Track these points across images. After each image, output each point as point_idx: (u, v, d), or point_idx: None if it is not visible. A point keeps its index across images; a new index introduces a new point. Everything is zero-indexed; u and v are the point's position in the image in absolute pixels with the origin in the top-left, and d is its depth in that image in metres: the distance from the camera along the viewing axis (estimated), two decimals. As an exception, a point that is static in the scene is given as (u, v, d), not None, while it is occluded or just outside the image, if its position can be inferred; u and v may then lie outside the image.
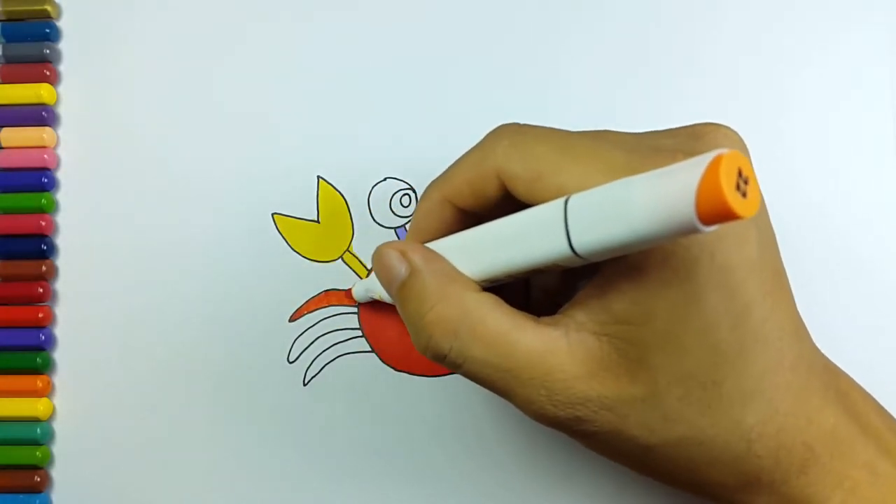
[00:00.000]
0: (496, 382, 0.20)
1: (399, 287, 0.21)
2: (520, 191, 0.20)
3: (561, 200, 0.18)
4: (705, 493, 0.20)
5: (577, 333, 0.19)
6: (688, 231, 0.15)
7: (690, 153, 0.15)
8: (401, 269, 0.21)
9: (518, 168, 0.20)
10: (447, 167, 0.22)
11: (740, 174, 0.14)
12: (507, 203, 0.21)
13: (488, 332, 0.20)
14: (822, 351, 0.21)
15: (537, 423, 0.20)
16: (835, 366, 0.22)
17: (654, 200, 0.15)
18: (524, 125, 0.21)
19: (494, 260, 0.20)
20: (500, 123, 0.22)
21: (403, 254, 0.21)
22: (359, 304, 0.28)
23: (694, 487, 0.20)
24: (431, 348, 0.20)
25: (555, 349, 0.19)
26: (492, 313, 0.20)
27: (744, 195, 0.14)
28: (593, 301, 0.19)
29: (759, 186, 0.14)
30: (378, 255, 0.22)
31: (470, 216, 0.22)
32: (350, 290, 0.28)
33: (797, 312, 0.20)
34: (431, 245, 0.22)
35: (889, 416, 0.21)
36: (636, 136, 0.20)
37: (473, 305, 0.20)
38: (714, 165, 0.14)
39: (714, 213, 0.14)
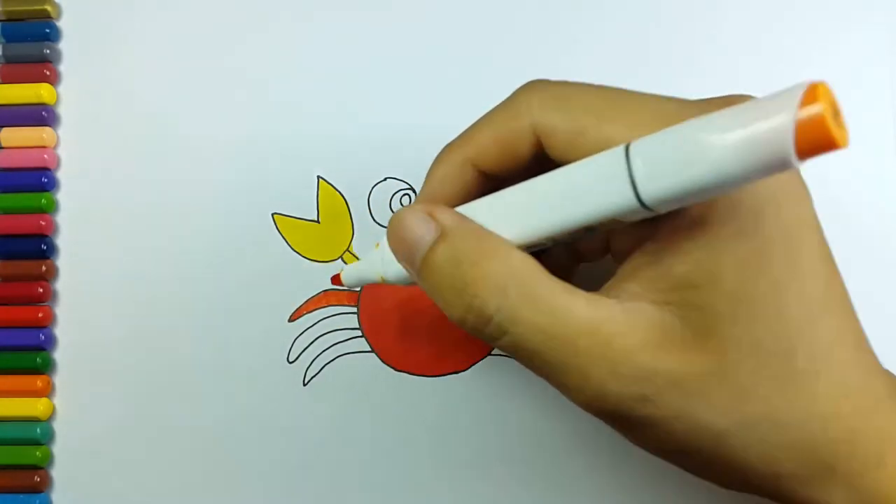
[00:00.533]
0: (545, 354, 0.17)
1: (427, 252, 0.18)
2: (558, 147, 0.18)
3: (620, 147, 0.16)
4: (772, 491, 0.18)
5: (633, 303, 0.17)
6: (779, 167, 0.14)
7: None
8: (428, 231, 0.18)
9: (558, 121, 0.18)
10: (466, 128, 0.21)
11: (832, 104, 0.14)
12: (537, 165, 0.19)
13: (539, 293, 0.17)
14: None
15: (585, 411, 0.18)
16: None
17: (742, 136, 0.14)
18: (557, 80, 0.19)
19: (540, 218, 0.18)
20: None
21: (431, 215, 0.19)
22: (359, 305, 0.28)
23: (760, 483, 0.18)
24: (475, 309, 0.18)
25: (612, 317, 0.17)
26: (541, 273, 0.17)
27: (838, 126, 0.14)
28: (648, 269, 0.18)
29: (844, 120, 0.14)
30: (398, 221, 0.19)
31: (491, 181, 0.20)
32: (344, 284, 0.27)
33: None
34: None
35: None
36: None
37: (520, 264, 0.17)
38: (812, 92, 0.13)
39: (815, 141, 0.13)
